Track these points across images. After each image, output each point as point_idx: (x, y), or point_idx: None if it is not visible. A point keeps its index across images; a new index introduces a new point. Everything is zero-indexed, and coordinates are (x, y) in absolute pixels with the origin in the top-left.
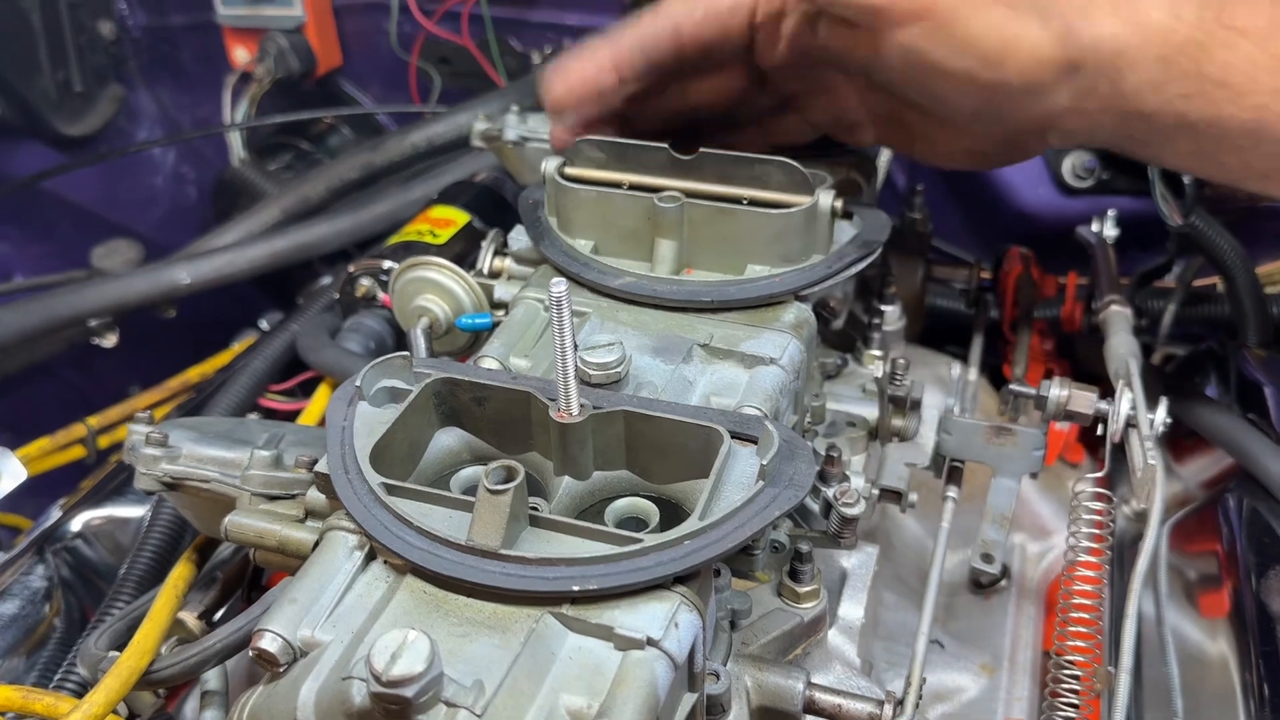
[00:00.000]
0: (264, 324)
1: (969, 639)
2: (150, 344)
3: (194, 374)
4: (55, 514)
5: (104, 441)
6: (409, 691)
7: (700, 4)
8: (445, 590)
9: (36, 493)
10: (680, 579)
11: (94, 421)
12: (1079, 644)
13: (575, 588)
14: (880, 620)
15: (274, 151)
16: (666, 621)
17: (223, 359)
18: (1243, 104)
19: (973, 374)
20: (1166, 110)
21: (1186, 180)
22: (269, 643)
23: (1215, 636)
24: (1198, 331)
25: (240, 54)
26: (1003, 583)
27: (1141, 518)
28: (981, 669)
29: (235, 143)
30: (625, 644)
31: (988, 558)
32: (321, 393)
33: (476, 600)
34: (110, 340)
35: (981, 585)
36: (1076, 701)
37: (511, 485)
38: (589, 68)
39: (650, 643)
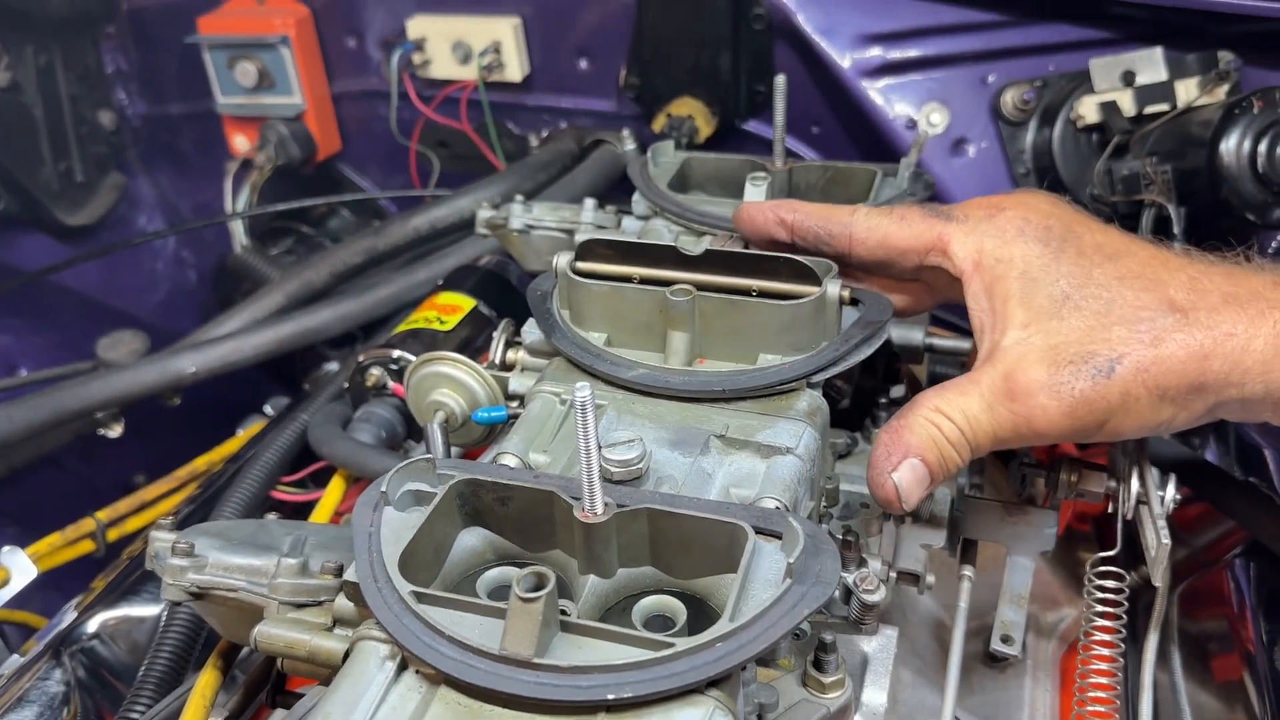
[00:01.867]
0: (269, 409)
1: (987, 713)
2: (155, 432)
3: (201, 463)
4: (69, 614)
5: (113, 535)
6: None
7: (878, 232)
8: (480, 701)
9: (46, 588)
10: (713, 682)
11: (103, 515)
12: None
13: (611, 696)
14: (899, 699)
15: (276, 236)
16: None
17: (230, 447)
18: None
19: None
20: None
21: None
22: None
23: (1230, 701)
24: None
25: (240, 141)
26: (1017, 655)
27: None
28: None
29: (237, 229)
30: None
31: (1008, 639)
32: (335, 484)
33: (512, 710)
34: (116, 430)
35: (996, 659)
36: None
37: (543, 593)
38: (771, 219)
39: None
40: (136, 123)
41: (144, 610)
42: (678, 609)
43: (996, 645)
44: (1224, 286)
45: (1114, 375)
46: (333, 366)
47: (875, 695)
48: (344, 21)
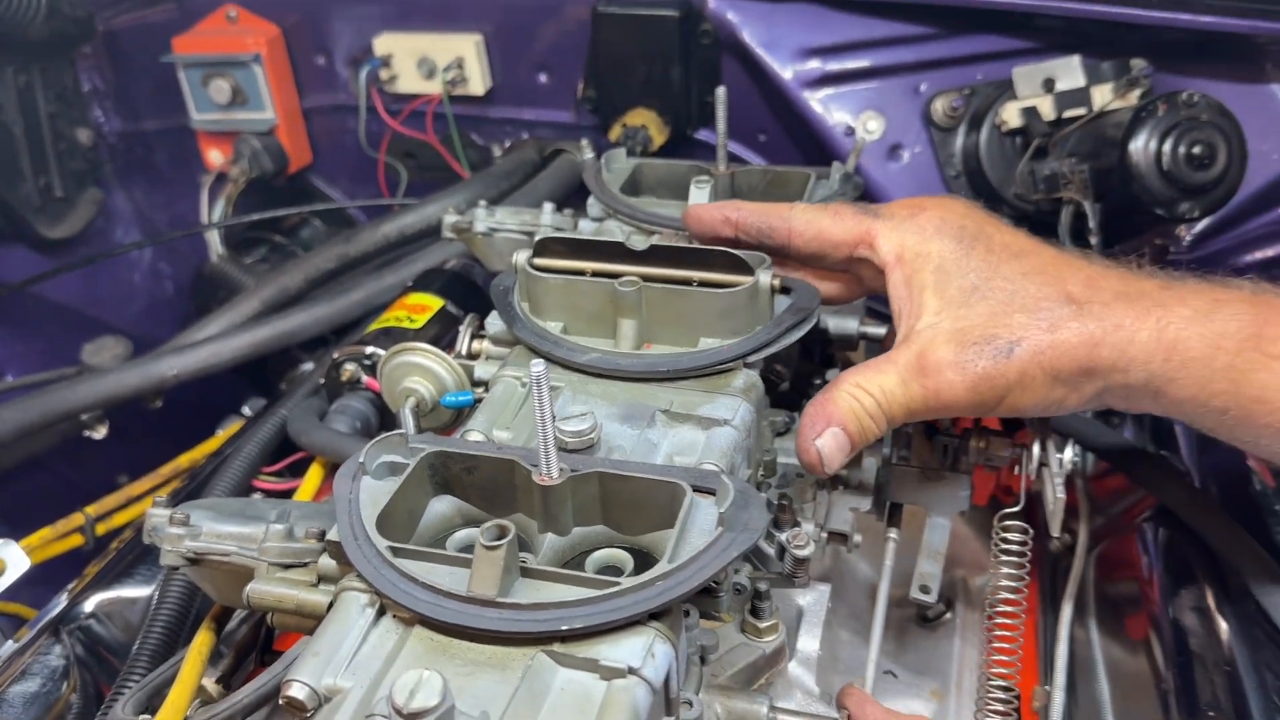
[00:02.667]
0: (247, 410)
1: (919, 669)
2: (138, 434)
3: (185, 460)
4: (64, 599)
5: (101, 529)
6: None
7: (814, 226)
8: (450, 637)
9: (35, 582)
10: (654, 615)
11: (91, 510)
12: (1003, 658)
13: (564, 627)
14: (838, 656)
15: (250, 245)
16: (644, 653)
17: (211, 445)
18: (1278, 416)
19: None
20: (1201, 415)
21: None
22: (298, 691)
23: (1139, 655)
24: None
25: (215, 156)
26: (947, 615)
27: (1070, 550)
28: (931, 695)
29: (213, 239)
30: (609, 674)
31: (925, 589)
32: (313, 472)
33: (478, 644)
34: (101, 432)
35: (928, 619)
36: (1002, 712)
37: (504, 541)
38: (717, 218)
39: (631, 671)
40: (113, 139)
41: (137, 591)
42: (625, 560)
43: (915, 594)
44: (1117, 285)
45: (1013, 356)
46: (308, 367)
47: (809, 642)
48: (313, 40)
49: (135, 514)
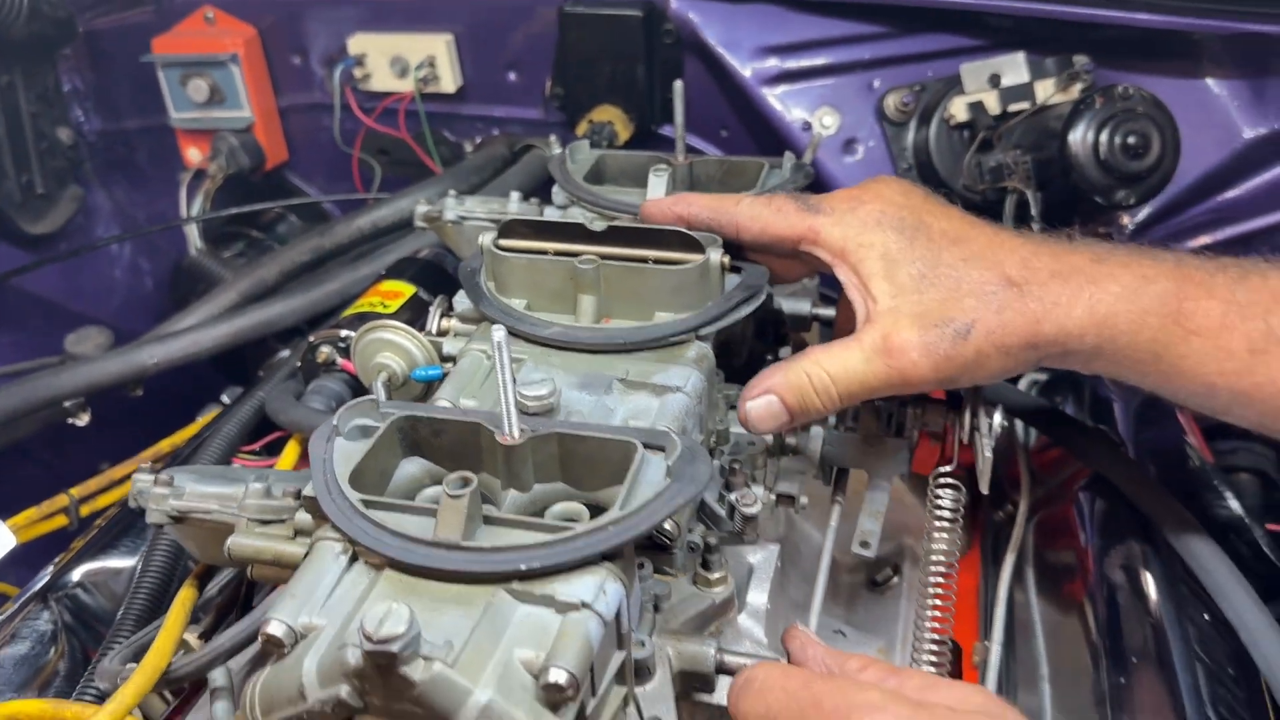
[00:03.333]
0: (226, 398)
1: (867, 628)
2: (120, 422)
3: (166, 445)
4: (51, 570)
5: (85, 510)
6: (394, 647)
7: (759, 222)
8: (418, 578)
9: (20, 563)
10: (607, 557)
11: (76, 492)
12: (936, 612)
13: (523, 566)
14: (792, 618)
15: (228, 241)
16: (597, 589)
17: (191, 430)
18: (1195, 382)
19: None
20: (1126, 377)
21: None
22: (275, 628)
23: (1074, 615)
24: None
25: (193, 153)
26: (895, 579)
27: (1012, 520)
28: (878, 652)
29: (192, 234)
30: (564, 608)
31: (865, 544)
32: (290, 449)
33: (444, 584)
34: (83, 419)
35: (877, 584)
36: (934, 659)
37: (468, 489)
38: (669, 214)
39: (584, 605)
40: (93, 138)
41: (122, 562)
42: (583, 512)
43: (856, 549)
44: (1051, 264)
45: (969, 337)
46: (286, 354)
47: (758, 596)
48: (289, 40)
49: (118, 495)
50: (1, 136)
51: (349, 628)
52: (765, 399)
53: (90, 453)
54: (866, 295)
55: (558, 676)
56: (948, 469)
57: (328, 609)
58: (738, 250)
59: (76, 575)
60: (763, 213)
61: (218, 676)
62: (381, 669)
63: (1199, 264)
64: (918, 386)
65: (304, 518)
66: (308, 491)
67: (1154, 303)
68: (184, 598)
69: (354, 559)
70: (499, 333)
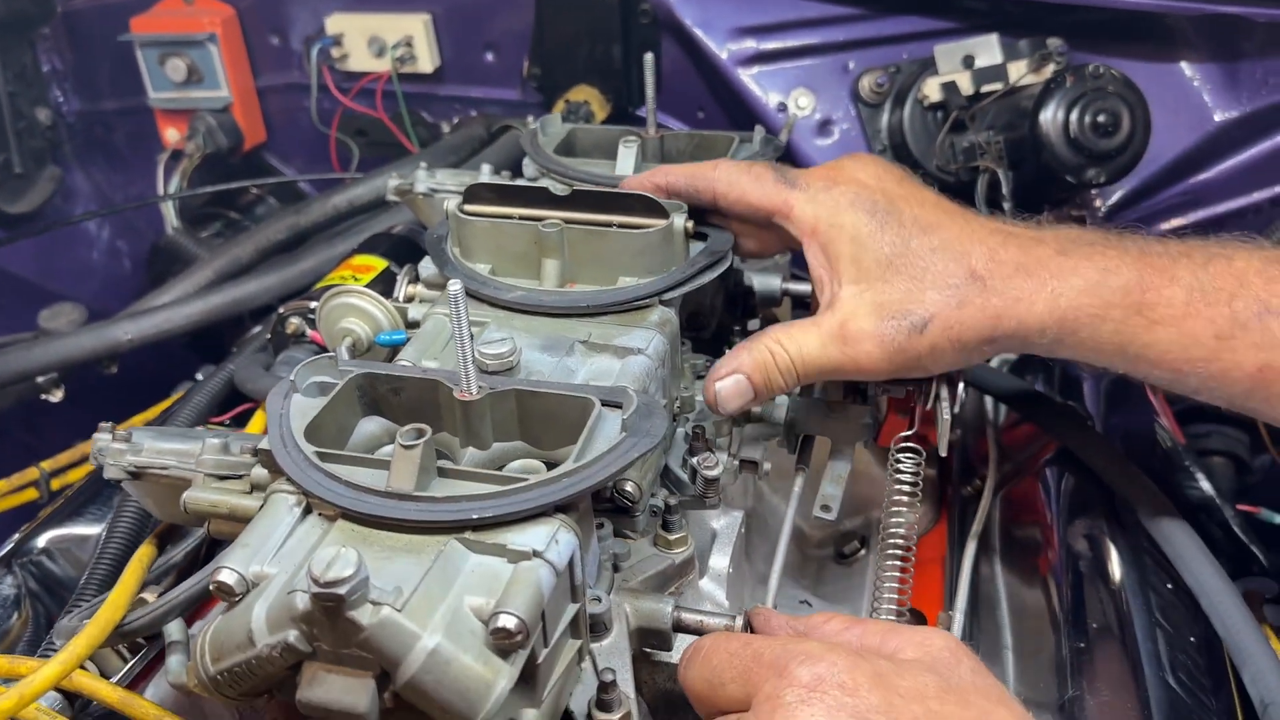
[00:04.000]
0: (200, 377)
1: (834, 599)
2: (93, 399)
3: (138, 420)
4: (17, 537)
5: (55, 484)
6: (342, 590)
7: (737, 189)
8: (370, 528)
9: None
10: (561, 509)
11: (47, 465)
12: (894, 574)
13: (475, 516)
14: (757, 589)
15: (205, 221)
16: (549, 539)
17: (163, 406)
18: (1162, 368)
19: None
20: (1091, 364)
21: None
22: (227, 576)
23: (1036, 588)
24: None
25: (171, 134)
26: (861, 552)
27: (978, 495)
28: None
29: (169, 214)
30: (516, 557)
31: (826, 508)
32: (258, 418)
33: (396, 533)
34: (57, 395)
35: (844, 556)
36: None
37: (421, 441)
38: (648, 185)
39: (535, 554)
40: (71, 119)
41: (88, 529)
42: (540, 468)
43: (817, 513)
44: (1016, 257)
45: (925, 331)
46: (258, 330)
47: (720, 560)
48: (267, 20)
49: (90, 469)
50: None
51: (299, 575)
52: (734, 378)
53: (64, 429)
54: (832, 277)
55: (507, 621)
56: (908, 433)
57: (279, 558)
58: (705, 216)
59: (42, 541)
60: (741, 179)
61: (173, 630)
62: (329, 612)
63: (1163, 250)
64: (872, 374)
65: (260, 473)
66: (263, 445)
67: (1116, 295)
68: (142, 554)
69: (308, 511)
70: (455, 285)
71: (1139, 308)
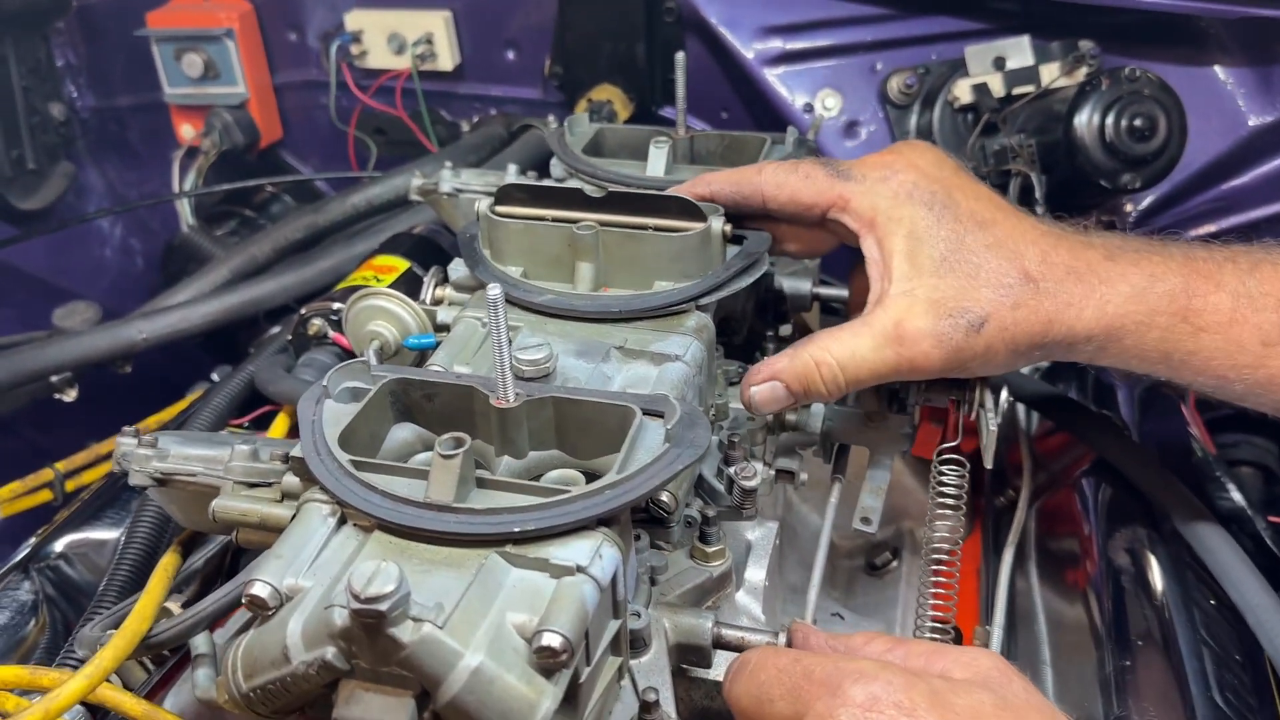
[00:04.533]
0: (216, 377)
1: (866, 612)
2: (107, 400)
3: (153, 421)
4: (33, 541)
5: (70, 485)
6: (383, 606)
7: (787, 189)
8: (408, 540)
9: (3, 538)
10: (603, 522)
11: (61, 466)
12: (939, 590)
13: (516, 529)
14: (789, 600)
15: (220, 219)
16: (592, 553)
17: (180, 407)
18: (1207, 375)
19: None
20: (1136, 369)
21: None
22: (260, 589)
23: (1076, 604)
24: None
25: (187, 130)
26: (894, 564)
27: (1013, 506)
28: None
29: (184, 211)
30: (559, 572)
31: (866, 520)
32: (280, 421)
33: (434, 546)
34: (71, 395)
35: (876, 568)
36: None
37: (461, 450)
38: (689, 195)
39: (579, 569)
40: (86, 114)
41: (105, 534)
42: (579, 479)
43: (856, 524)
44: (1067, 260)
45: (982, 331)
46: (277, 331)
47: (756, 573)
48: (285, 16)
49: (104, 471)
50: None
51: (336, 589)
52: (770, 385)
53: (78, 430)
54: (885, 273)
55: (551, 640)
56: (951, 444)
57: (314, 570)
58: (744, 219)
59: (59, 546)
60: (789, 179)
61: (200, 643)
62: (369, 629)
63: (1208, 255)
64: (925, 375)
65: (292, 481)
66: (295, 453)
67: (1162, 301)
68: (166, 563)
69: (342, 521)
70: (495, 290)
71: (1185, 314)
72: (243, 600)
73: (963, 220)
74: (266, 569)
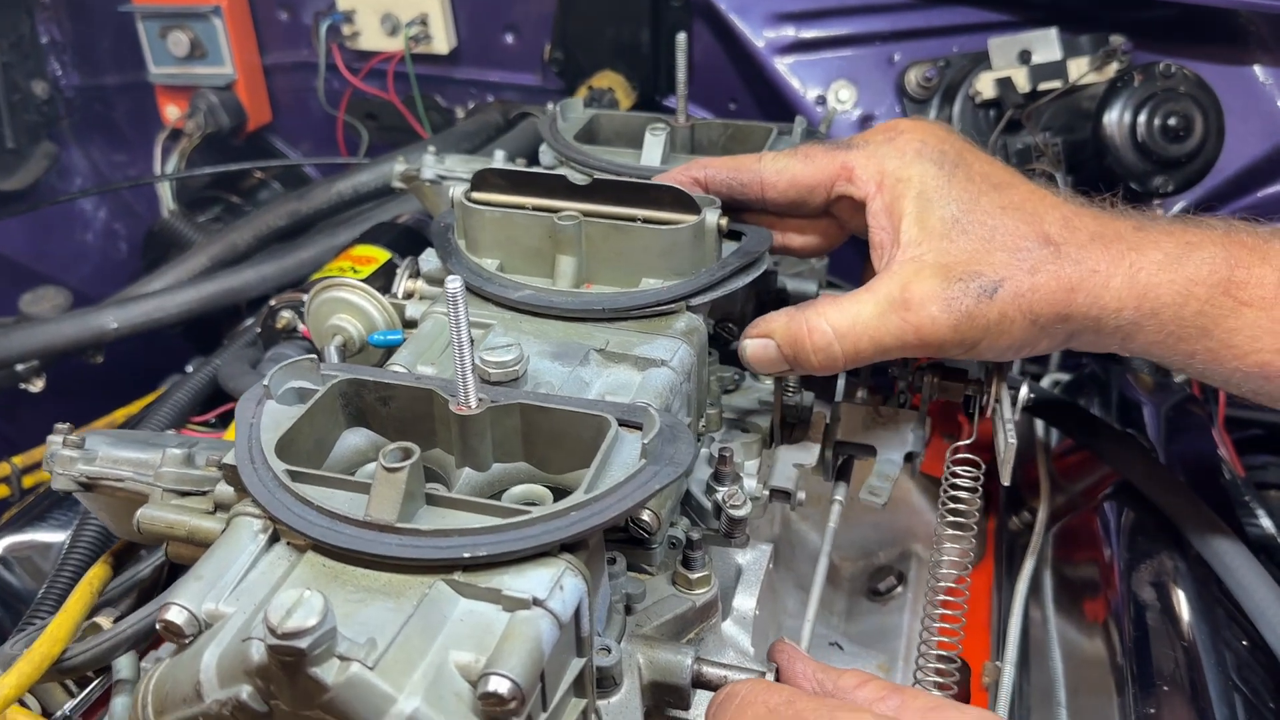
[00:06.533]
0: (190, 369)
1: (867, 641)
2: (77, 390)
3: (120, 415)
4: None
5: (28, 481)
6: (303, 643)
7: (787, 174)
8: (343, 563)
9: None
10: (567, 548)
11: (18, 460)
12: (945, 625)
13: (466, 554)
14: (784, 627)
15: (204, 205)
16: (552, 584)
17: (149, 400)
18: (1249, 360)
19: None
20: (1169, 358)
21: None
22: (175, 614)
23: (1095, 637)
24: (1082, 358)
25: (172, 111)
26: (898, 589)
27: (1029, 528)
28: (878, 669)
29: (166, 195)
30: (512, 605)
31: (875, 493)
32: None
33: (373, 571)
34: (37, 385)
35: (879, 593)
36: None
37: (407, 464)
38: (684, 180)
39: (536, 602)
40: (70, 93)
41: (49, 536)
42: (545, 496)
43: (864, 496)
44: (1092, 226)
45: (995, 297)
46: (250, 322)
47: (745, 601)
48: None
49: None
50: None
51: (257, 619)
52: (763, 342)
53: (44, 421)
54: (894, 239)
55: (498, 685)
56: (967, 443)
57: (238, 594)
58: (742, 214)
59: None
60: (789, 164)
61: (122, 666)
62: (288, 668)
63: (1251, 229)
64: (933, 348)
65: (224, 491)
66: (228, 459)
67: (1201, 270)
68: (92, 577)
69: (275, 539)
70: (454, 283)
71: (1226, 286)
72: (156, 625)
73: (976, 181)
74: (184, 592)
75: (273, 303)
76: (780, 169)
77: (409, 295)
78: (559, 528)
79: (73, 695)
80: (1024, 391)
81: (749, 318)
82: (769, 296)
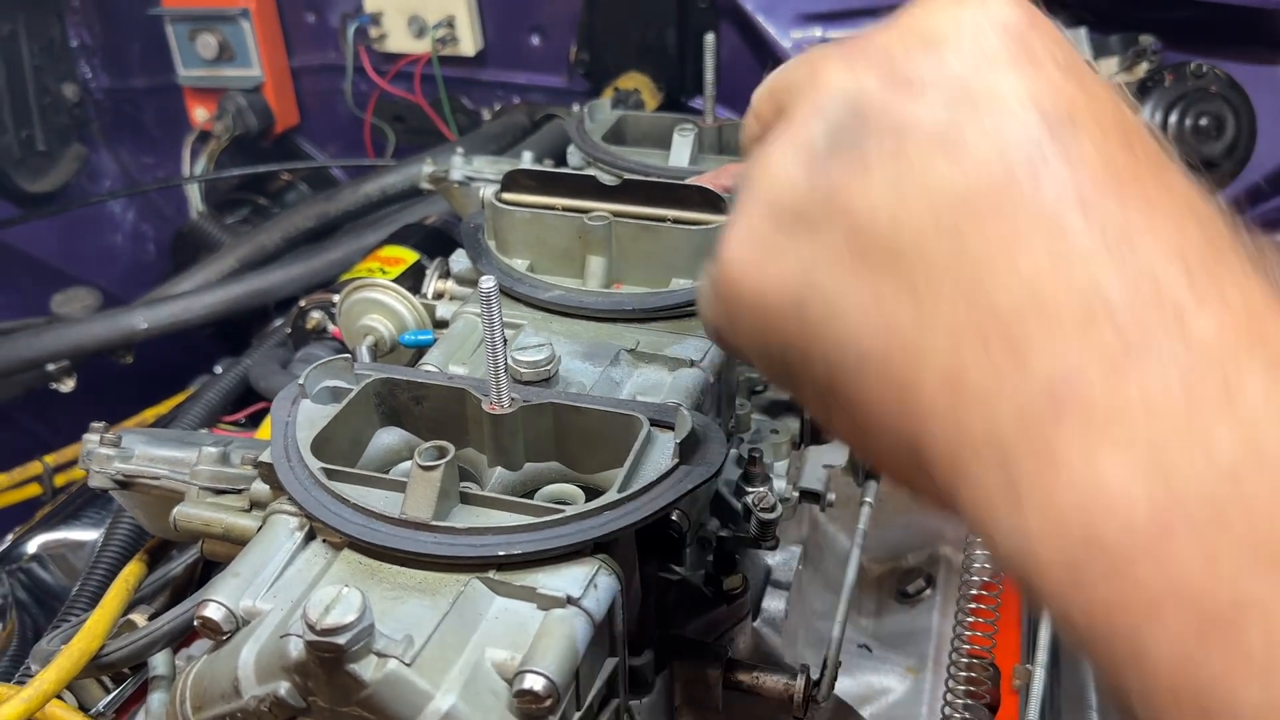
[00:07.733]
0: (219, 369)
1: (896, 644)
2: (107, 390)
3: (150, 415)
4: (8, 540)
5: (60, 480)
6: (341, 639)
7: None
8: (379, 560)
9: None
10: (600, 546)
11: (50, 459)
12: (979, 620)
13: (501, 553)
14: (812, 628)
15: (232, 207)
16: (586, 582)
17: (178, 400)
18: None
19: None
20: None
21: None
22: (213, 611)
23: None
24: None
25: (200, 113)
26: (928, 591)
27: None
28: (907, 671)
29: (194, 197)
30: (547, 603)
31: None
32: (270, 421)
33: (409, 569)
34: (68, 385)
35: (909, 595)
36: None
37: (442, 462)
38: (713, 185)
39: (570, 601)
40: (99, 95)
41: (82, 534)
42: (578, 495)
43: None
44: None
45: None
46: (280, 323)
47: (775, 603)
48: None
49: None
50: (1, 89)
51: (295, 615)
52: None
53: (75, 421)
54: None
55: (534, 683)
56: None
57: (275, 592)
58: None
59: (33, 547)
60: None
61: (158, 663)
62: (326, 664)
63: None
64: None
65: (260, 489)
66: (264, 457)
67: None
68: (128, 574)
69: (311, 536)
70: (488, 282)
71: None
72: (195, 622)
73: None
74: (222, 588)
75: (302, 303)
76: None
77: (439, 296)
78: (593, 526)
79: (108, 691)
80: None
81: None
82: None
